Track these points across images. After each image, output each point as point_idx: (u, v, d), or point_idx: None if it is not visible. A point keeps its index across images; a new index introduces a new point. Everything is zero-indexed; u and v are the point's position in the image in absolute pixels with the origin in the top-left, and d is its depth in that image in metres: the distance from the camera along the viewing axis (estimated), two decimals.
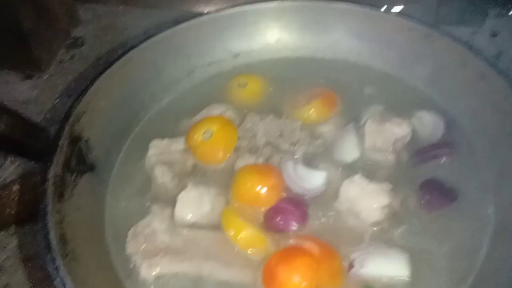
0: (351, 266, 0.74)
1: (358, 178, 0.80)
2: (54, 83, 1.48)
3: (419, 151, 0.88)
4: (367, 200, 0.79)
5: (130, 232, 0.80)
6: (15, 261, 1.18)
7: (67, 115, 0.85)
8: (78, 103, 0.87)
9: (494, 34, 1.38)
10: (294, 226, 0.79)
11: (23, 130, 0.78)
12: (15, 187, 1.23)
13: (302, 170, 0.85)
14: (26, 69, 1.48)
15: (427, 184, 0.83)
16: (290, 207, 0.81)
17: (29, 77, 1.49)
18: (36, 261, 1.17)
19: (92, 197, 0.84)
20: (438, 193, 0.82)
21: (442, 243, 0.77)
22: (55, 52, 1.54)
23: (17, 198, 1.22)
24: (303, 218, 0.80)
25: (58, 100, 1.43)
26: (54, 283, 0.67)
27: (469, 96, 0.92)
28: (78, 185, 0.82)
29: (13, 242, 1.21)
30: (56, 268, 0.68)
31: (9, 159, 1.35)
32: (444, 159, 0.87)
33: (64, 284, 0.67)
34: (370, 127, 0.87)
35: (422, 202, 0.81)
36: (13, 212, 1.22)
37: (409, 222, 0.80)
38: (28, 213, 1.22)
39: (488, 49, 1.29)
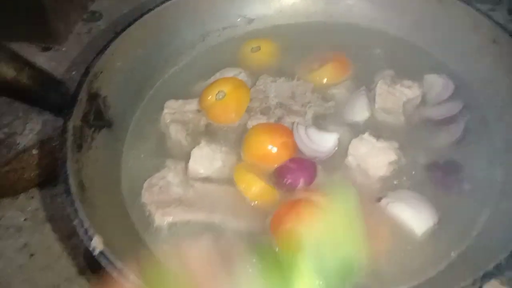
0: (379, 199, 0.77)
1: (367, 136, 0.81)
2: (71, 56, 1.52)
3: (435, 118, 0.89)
4: (375, 157, 0.80)
5: (145, 184, 0.83)
6: (34, 223, 1.22)
7: (86, 73, 0.88)
8: (96, 62, 0.90)
9: (511, 12, 1.37)
10: (302, 184, 0.81)
11: (44, 82, 0.81)
12: (34, 152, 1.28)
13: (314, 134, 0.86)
14: (44, 41, 1.51)
15: (433, 167, 0.83)
16: (299, 166, 0.83)
17: (46, 49, 1.53)
18: (54, 223, 1.22)
19: (109, 151, 0.87)
20: (445, 175, 0.82)
21: (449, 199, 0.79)
22: (73, 25, 1.57)
23: (36, 162, 1.27)
24: (311, 177, 0.82)
25: (74, 72, 1.46)
26: (74, 223, 0.70)
27: (480, 60, 0.92)
28: (96, 139, 0.85)
29: (32, 205, 1.26)
30: (75, 210, 0.71)
31: (28, 127, 1.40)
32: (460, 121, 0.87)
33: (82, 225, 0.69)
34: (381, 88, 0.88)
35: (433, 186, 0.80)
36: (32, 175, 1.26)
37: (415, 181, 0.81)
38: (47, 177, 1.27)
39: (506, 27, 1.28)
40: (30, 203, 1.25)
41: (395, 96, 0.87)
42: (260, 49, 1.03)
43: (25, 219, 1.23)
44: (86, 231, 0.69)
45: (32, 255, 1.15)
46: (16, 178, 1.24)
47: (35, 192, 1.27)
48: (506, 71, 0.88)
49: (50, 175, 1.26)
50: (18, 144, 1.34)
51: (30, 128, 1.38)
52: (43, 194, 1.26)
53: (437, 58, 0.99)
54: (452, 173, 0.80)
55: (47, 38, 1.51)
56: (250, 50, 1.03)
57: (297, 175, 0.81)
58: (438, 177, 0.80)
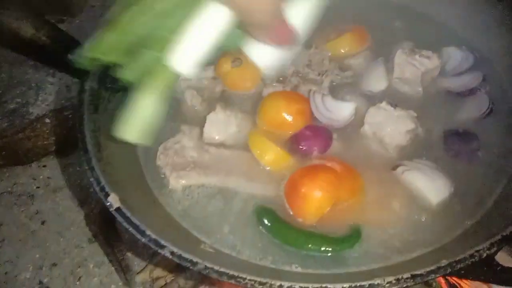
0: (395, 167, 0.77)
1: (384, 105, 0.81)
2: (86, 28, 1.52)
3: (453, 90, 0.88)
4: (392, 125, 0.80)
5: (161, 147, 0.83)
6: (46, 191, 1.24)
7: None
8: None
9: None
10: (316, 152, 0.81)
11: (63, 42, 0.80)
12: (47, 120, 1.29)
13: (330, 102, 0.85)
14: (58, 13, 1.51)
15: (449, 137, 0.82)
16: (314, 134, 0.82)
17: (60, 21, 1.53)
18: (65, 192, 1.23)
19: None
20: (462, 144, 0.81)
21: (465, 169, 0.78)
22: None
23: (48, 131, 1.27)
24: (326, 145, 0.82)
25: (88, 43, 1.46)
26: (90, 180, 0.70)
27: (501, 33, 0.91)
28: (112, 102, 0.85)
29: (45, 173, 1.27)
30: (91, 168, 0.71)
31: (40, 97, 1.40)
32: (479, 93, 0.86)
33: (98, 182, 0.70)
34: (399, 58, 0.87)
35: (449, 155, 0.80)
36: (45, 144, 1.27)
37: (432, 150, 0.80)
38: (59, 146, 1.28)
39: None
40: (43, 172, 1.27)
41: (414, 66, 0.86)
42: None
43: (37, 187, 1.24)
44: (102, 188, 0.69)
45: (43, 222, 1.17)
46: (29, 146, 1.26)
47: (47, 160, 1.28)
48: None
49: (62, 144, 1.27)
50: (31, 113, 1.35)
51: (42, 99, 1.39)
52: (55, 163, 1.28)
53: (457, 31, 0.98)
54: (469, 142, 0.80)
55: (61, 10, 1.51)
56: None
57: (312, 142, 0.81)
58: (455, 146, 0.80)
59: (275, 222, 0.74)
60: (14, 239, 1.14)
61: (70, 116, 1.27)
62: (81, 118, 0.77)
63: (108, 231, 1.09)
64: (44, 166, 1.28)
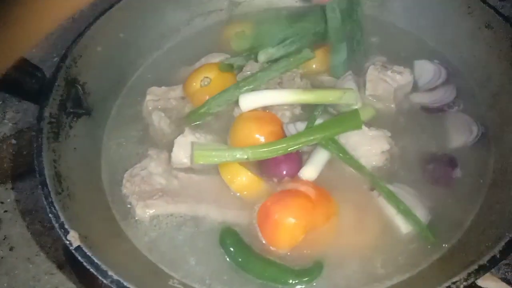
0: (372, 188, 0.76)
1: None
2: (52, 40, 1.45)
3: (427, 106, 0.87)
4: (367, 146, 0.78)
5: (127, 174, 0.80)
6: (14, 215, 1.19)
7: (63, 58, 0.84)
8: (75, 46, 0.86)
9: None
10: (287, 174, 0.78)
11: (20, 68, 0.76)
12: (13, 141, 1.24)
13: (303, 126, 0.82)
14: None
15: (428, 162, 0.80)
16: (286, 157, 0.79)
17: None
18: (34, 215, 1.18)
19: (89, 139, 0.84)
20: (440, 168, 0.79)
21: (440, 192, 0.76)
22: None
23: (14, 152, 1.22)
24: (296, 167, 0.79)
25: (56, 57, 1.40)
26: (49, 216, 0.67)
27: (473, 46, 0.90)
28: (74, 127, 0.82)
29: (12, 196, 1.22)
30: (50, 204, 0.68)
31: (7, 116, 1.35)
32: (454, 109, 0.85)
33: (57, 219, 0.66)
34: (371, 74, 0.85)
35: (426, 179, 0.78)
36: (11, 165, 1.22)
37: (408, 169, 0.79)
38: (26, 167, 1.23)
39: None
40: (10, 194, 1.22)
41: (386, 83, 0.84)
42: (244, 34, 0.99)
43: (4, 211, 1.19)
44: (61, 225, 0.66)
45: (12, 248, 1.12)
46: None
47: (15, 183, 1.23)
48: (499, 56, 0.85)
49: (29, 165, 1.22)
50: None
51: (9, 117, 1.34)
52: (22, 185, 1.23)
53: (429, 44, 0.96)
54: (447, 168, 0.78)
55: None
56: (234, 34, 0.99)
57: (283, 165, 0.79)
58: (433, 173, 0.78)
59: (237, 245, 0.72)
60: None
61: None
62: (39, 148, 0.73)
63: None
64: (12, 188, 1.23)
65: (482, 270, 0.58)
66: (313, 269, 0.70)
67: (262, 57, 0.90)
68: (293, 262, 0.71)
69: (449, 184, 0.77)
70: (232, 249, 0.72)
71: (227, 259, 0.71)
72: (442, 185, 0.77)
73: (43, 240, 1.13)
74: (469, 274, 0.58)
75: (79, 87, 0.85)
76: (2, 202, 1.21)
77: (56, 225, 0.66)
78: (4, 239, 1.14)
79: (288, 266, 0.70)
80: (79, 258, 0.62)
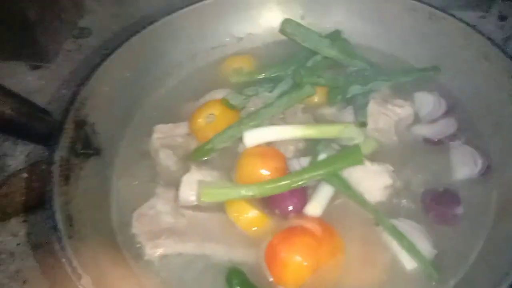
0: (377, 224, 0.76)
1: None
2: (61, 73, 1.49)
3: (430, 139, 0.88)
4: (369, 181, 0.79)
5: (135, 214, 0.82)
6: (26, 248, 1.20)
7: (72, 100, 0.86)
8: (82, 88, 0.88)
9: (502, 19, 1.36)
10: (293, 210, 0.80)
11: (29, 113, 0.79)
12: (24, 175, 1.26)
13: (307, 161, 0.84)
14: (33, 59, 1.49)
15: (429, 200, 0.80)
16: (290, 194, 0.80)
17: (36, 67, 1.51)
18: (46, 247, 1.20)
19: (98, 179, 0.86)
20: (441, 206, 0.80)
21: (444, 228, 0.77)
22: (62, 42, 1.55)
23: (26, 185, 1.25)
24: (302, 202, 0.80)
25: (65, 89, 1.44)
26: (62, 261, 0.68)
27: (472, 77, 0.91)
28: (84, 168, 0.84)
29: (24, 229, 1.24)
30: (62, 248, 0.69)
31: (18, 148, 1.38)
32: (457, 142, 0.86)
33: (70, 263, 0.68)
34: (372, 108, 0.87)
35: (430, 219, 0.78)
36: (23, 199, 1.24)
37: (412, 203, 0.80)
38: (37, 200, 1.25)
39: (496, 34, 1.27)
40: (23, 227, 1.24)
41: (387, 116, 0.86)
42: (242, 69, 1.02)
43: (17, 244, 1.21)
44: (74, 270, 0.67)
45: (25, 281, 1.13)
46: (6, 202, 1.23)
47: (27, 216, 1.25)
48: (498, 87, 0.87)
49: (41, 198, 1.24)
50: (9, 166, 1.32)
51: (21, 150, 1.36)
52: (34, 218, 1.25)
53: (429, 75, 0.97)
54: (449, 206, 0.79)
55: (35, 56, 1.49)
56: (232, 70, 1.02)
57: (288, 202, 0.80)
58: (434, 210, 0.78)
59: (243, 286, 0.72)
60: None
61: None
62: (50, 193, 0.75)
63: None
64: (24, 221, 1.25)
65: None
66: None
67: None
68: None
69: (453, 222, 0.77)
70: None
71: None
72: (447, 224, 0.77)
73: (55, 273, 1.14)
74: None
75: (88, 128, 0.87)
76: (14, 235, 1.23)
77: (69, 270, 0.67)
78: (17, 272, 1.16)
79: None
80: None
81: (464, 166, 0.83)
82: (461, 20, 0.92)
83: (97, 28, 1.61)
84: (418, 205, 0.79)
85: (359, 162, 0.79)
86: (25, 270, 1.15)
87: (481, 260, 0.71)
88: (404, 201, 0.80)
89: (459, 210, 0.78)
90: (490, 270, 0.68)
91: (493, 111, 0.87)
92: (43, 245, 1.20)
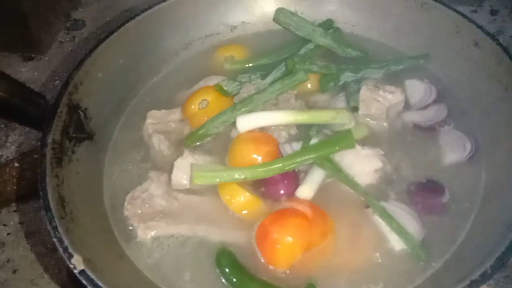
0: (367, 206, 0.77)
1: None
2: (54, 65, 1.49)
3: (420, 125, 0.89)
4: (360, 165, 0.80)
5: (128, 197, 0.82)
6: (17, 237, 1.20)
7: (65, 84, 0.87)
8: (76, 73, 0.88)
9: (493, 13, 1.38)
10: (285, 193, 0.80)
11: (22, 95, 0.79)
12: (16, 165, 1.25)
13: (299, 146, 0.85)
14: (27, 51, 1.49)
15: (414, 190, 0.81)
16: (282, 177, 0.81)
17: (29, 59, 1.50)
18: (37, 237, 1.19)
19: (91, 163, 0.86)
20: (427, 198, 0.80)
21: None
22: (55, 33, 1.55)
23: (17, 175, 1.24)
24: (293, 187, 0.81)
25: (58, 81, 1.44)
26: (53, 240, 0.68)
27: (462, 64, 0.92)
28: (77, 152, 0.84)
29: (15, 219, 1.23)
30: (54, 228, 0.69)
31: (9, 139, 1.37)
32: (446, 128, 0.87)
33: (61, 243, 0.68)
34: (364, 94, 0.88)
35: (414, 206, 0.78)
36: (14, 188, 1.24)
37: (402, 186, 0.81)
38: (29, 190, 1.24)
39: (488, 28, 1.29)
40: (13, 217, 1.23)
41: (379, 102, 0.87)
42: (233, 58, 1.03)
43: (8, 234, 1.20)
44: (65, 249, 0.67)
45: (15, 270, 1.13)
46: None
47: (18, 205, 1.25)
48: (487, 74, 0.88)
49: (32, 188, 1.24)
50: (0, 156, 1.32)
51: (12, 140, 1.36)
52: (26, 207, 1.24)
53: (419, 63, 0.98)
54: (434, 196, 0.79)
55: (29, 47, 1.49)
56: (223, 59, 1.03)
57: (280, 186, 0.81)
58: (420, 200, 0.79)
59: (232, 266, 0.73)
60: None
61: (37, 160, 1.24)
62: (42, 174, 0.75)
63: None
64: (15, 211, 1.24)
65: (474, 285, 0.59)
66: None
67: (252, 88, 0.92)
68: (288, 283, 0.72)
69: (440, 211, 0.78)
70: (227, 270, 0.73)
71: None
72: (434, 214, 0.78)
73: (46, 261, 1.14)
74: None
75: (81, 113, 0.87)
76: (5, 225, 1.22)
77: (60, 249, 0.67)
78: (7, 261, 1.15)
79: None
80: (83, 281, 0.64)
81: (453, 150, 0.84)
82: (452, 8, 0.93)
83: (91, 19, 1.61)
84: (408, 187, 0.80)
85: (351, 146, 0.80)
86: (16, 259, 1.15)
87: (469, 241, 0.73)
88: (394, 184, 0.80)
89: (444, 198, 0.79)
90: (477, 250, 0.69)
91: (482, 98, 0.88)
92: (34, 234, 1.19)
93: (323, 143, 0.82)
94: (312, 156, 0.80)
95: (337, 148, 0.80)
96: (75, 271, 0.65)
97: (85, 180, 0.82)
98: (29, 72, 1.48)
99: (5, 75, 0.78)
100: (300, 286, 0.72)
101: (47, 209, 0.71)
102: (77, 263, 0.65)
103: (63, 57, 1.51)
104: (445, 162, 0.84)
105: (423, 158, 0.84)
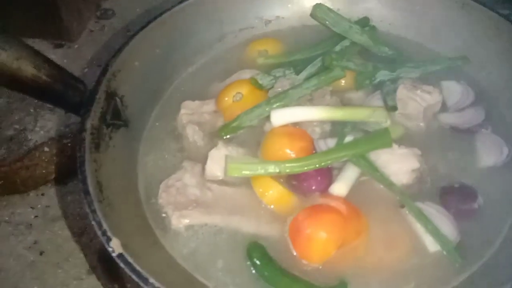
0: (402, 206, 0.77)
1: None
2: (84, 53, 1.51)
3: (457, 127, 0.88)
4: (397, 164, 0.79)
5: (162, 185, 0.83)
6: (44, 220, 1.22)
7: (104, 71, 0.87)
8: (114, 60, 0.89)
9: None
10: (318, 189, 0.80)
11: (63, 80, 0.80)
12: (46, 149, 1.28)
13: (333, 142, 0.84)
14: (57, 38, 1.51)
15: (446, 195, 0.80)
16: (316, 172, 0.81)
17: (59, 46, 1.52)
18: (64, 221, 1.21)
19: (126, 150, 0.87)
20: (460, 203, 0.79)
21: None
22: (85, 22, 1.57)
23: (47, 159, 1.26)
24: (327, 183, 0.81)
25: (87, 69, 1.46)
26: (92, 223, 0.69)
27: (501, 67, 0.91)
28: (113, 138, 0.85)
29: (43, 202, 1.25)
30: (93, 211, 0.70)
31: (38, 124, 1.39)
32: (483, 131, 0.87)
33: (100, 226, 0.69)
34: (401, 93, 0.87)
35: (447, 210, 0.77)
36: (43, 172, 1.26)
37: (437, 188, 0.80)
38: (58, 174, 1.26)
39: None
40: (41, 201, 1.25)
41: (416, 102, 0.86)
42: (267, 52, 1.03)
43: (35, 216, 1.22)
44: (104, 232, 0.68)
45: (42, 252, 1.15)
46: (27, 175, 1.24)
47: (46, 189, 1.27)
48: None
49: (61, 172, 1.26)
50: (29, 140, 1.34)
51: (41, 125, 1.38)
52: (54, 191, 1.26)
53: (457, 65, 0.97)
54: (466, 201, 0.78)
55: (59, 35, 1.51)
56: (257, 53, 1.03)
57: (312, 181, 0.80)
58: (452, 205, 0.78)
59: (263, 259, 0.73)
60: (12, 271, 1.12)
61: (69, 144, 1.26)
62: (81, 158, 0.76)
63: (108, 263, 1.07)
64: (43, 194, 1.26)
65: None
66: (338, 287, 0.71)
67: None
68: (320, 279, 0.72)
69: (472, 216, 0.77)
70: (258, 262, 0.73)
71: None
72: (466, 220, 0.77)
73: (72, 245, 1.16)
74: None
75: (118, 100, 0.88)
76: (32, 208, 1.24)
77: (99, 232, 0.68)
78: (34, 243, 1.17)
79: (313, 283, 0.71)
80: (122, 265, 0.65)
81: (490, 154, 0.83)
82: (493, 9, 0.92)
83: (120, 9, 1.62)
84: (440, 191, 0.80)
85: (388, 145, 0.79)
86: (42, 241, 1.17)
87: (506, 246, 0.72)
88: (429, 186, 0.80)
89: (477, 204, 0.78)
90: None
91: None
92: (60, 219, 1.21)
93: (359, 140, 0.81)
94: (347, 153, 0.79)
95: (374, 146, 0.80)
96: (114, 255, 0.66)
97: (121, 167, 0.83)
98: (59, 59, 1.50)
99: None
100: (332, 282, 0.72)
101: (86, 192, 0.72)
102: (116, 247, 0.66)
103: (92, 45, 1.53)
104: (481, 165, 0.83)
105: (459, 161, 0.83)
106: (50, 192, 1.26)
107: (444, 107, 0.90)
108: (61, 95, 0.80)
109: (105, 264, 1.03)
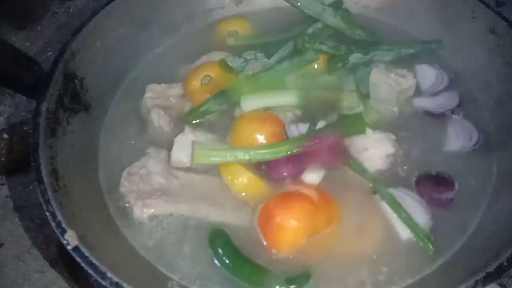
0: (375, 192, 0.75)
1: None
2: (47, 35, 1.44)
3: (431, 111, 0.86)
4: (372, 149, 0.77)
5: (125, 172, 0.78)
6: (4, 211, 1.16)
7: (62, 52, 0.82)
8: (73, 40, 0.84)
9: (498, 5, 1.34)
10: (289, 176, 0.77)
11: (15, 60, 0.74)
12: (5, 136, 1.21)
13: (305, 127, 0.81)
14: (19, 20, 1.43)
15: (422, 183, 0.78)
16: (286, 160, 0.77)
17: (21, 28, 1.45)
18: (25, 212, 1.15)
19: (86, 136, 0.82)
20: (435, 190, 0.77)
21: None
22: (49, 3, 1.49)
23: (6, 147, 1.19)
24: (298, 170, 0.78)
25: (50, 52, 1.39)
26: (46, 214, 0.65)
27: (476, 51, 0.90)
28: (72, 123, 0.80)
29: (2, 192, 1.19)
30: (47, 201, 0.66)
31: None
32: (457, 116, 0.85)
33: (54, 217, 0.64)
34: (375, 76, 0.85)
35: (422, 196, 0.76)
36: (2, 161, 1.19)
37: (411, 173, 0.78)
38: (18, 163, 1.20)
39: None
40: (1, 191, 1.19)
41: (390, 85, 0.84)
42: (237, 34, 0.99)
43: None
44: (59, 224, 0.64)
45: (1, 245, 1.09)
46: None
47: (6, 179, 1.21)
48: (502, 62, 0.85)
49: (21, 161, 1.19)
50: None
51: (1, 111, 1.31)
52: (14, 181, 1.20)
53: (431, 48, 0.95)
54: (441, 190, 0.76)
55: (22, 16, 1.43)
56: (227, 33, 0.99)
57: (284, 167, 0.77)
58: (427, 193, 0.76)
59: (226, 248, 0.71)
60: None
61: (30, 131, 1.19)
62: (35, 144, 0.71)
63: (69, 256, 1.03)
64: (3, 184, 1.20)
65: (489, 277, 0.57)
66: (301, 277, 0.69)
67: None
68: (289, 269, 0.70)
69: (448, 205, 0.76)
70: (220, 251, 0.71)
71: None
72: (441, 208, 0.75)
73: (34, 237, 1.10)
74: (476, 282, 0.57)
75: (77, 82, 0.83)
76: None
77: (53, 224, 0.64)
78: None
79: (275, 273, 0.69)
80: (77, 258, 0.61)
81: (457, 140, 0.82)
82: None
83: None
84: (414, 177, 0.78)
85: (362, 131, 0.77)
86: (2, 233, 1.11)
87: (480, 232, 0.71)
88: (402, 172, 0.78)
89: (453, 192, 0.76)
90: (488, 241, 0.67)
91: (496, 87, 0.86)
92: (22, 209, 1.15)
93: (332, 127, 0.79)
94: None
95: (348, 132, 0.77)
96: (68, 247, 0.62)
97: (80, 153, 0.79)
98: (21, 41, 1.42)
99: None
100: (298, 272, 0.69)
101: (40, 181, 0.67)
102: (71, 239, 0.62)
103: (56, 27, 1.45)
104: (447, 149, 0.82)
105: (432, 146, 0.82)
106: (11, 182, 1.20)
107: (418, 91, 0.88)
108: (14, 76, 0.74)
109: (66, 258, 0.98)
